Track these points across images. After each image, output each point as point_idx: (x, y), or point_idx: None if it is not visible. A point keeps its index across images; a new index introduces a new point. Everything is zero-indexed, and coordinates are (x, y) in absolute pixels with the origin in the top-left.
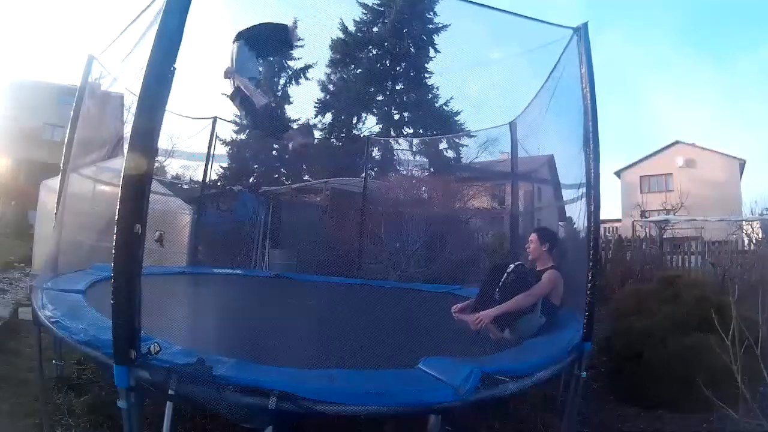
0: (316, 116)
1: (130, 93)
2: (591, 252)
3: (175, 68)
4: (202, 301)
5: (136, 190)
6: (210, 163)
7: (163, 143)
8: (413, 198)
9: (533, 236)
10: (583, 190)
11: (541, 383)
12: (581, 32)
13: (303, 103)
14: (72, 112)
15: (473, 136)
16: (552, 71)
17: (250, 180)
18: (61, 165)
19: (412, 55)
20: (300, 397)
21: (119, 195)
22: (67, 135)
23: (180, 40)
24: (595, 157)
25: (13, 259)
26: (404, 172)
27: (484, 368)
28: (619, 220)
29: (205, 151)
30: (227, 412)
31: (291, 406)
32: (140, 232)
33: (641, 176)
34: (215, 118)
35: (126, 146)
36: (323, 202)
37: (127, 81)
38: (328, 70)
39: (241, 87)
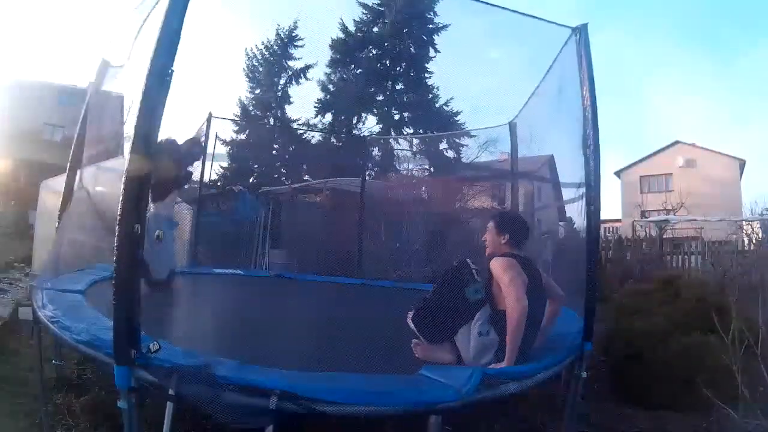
0: (316, 116)
1: (129, 94)
2: (590, 252)
3: (173, 70)
4: (201, 301)
5: (137, 190)
6: (211, 162)
7: None
8: (413, 198)
9: (490, 225)
10: (583, 190)
11: (542, 383)
12: (581, 33)
13: (303, 103)
14: (82, 113)
15: (473, 135)
16: (549, 69)
17: (250, 180)
18: (68, 165)
19: (412, 55)
20: (300, 396)
21: (120, 195)
22: (76, 136)
23: (178, 42)
24: (596, 159)
25: (13, 259)
26: (404, 172)
27: (484, 369)
28: (619, 220)
29: (208, 150)
30: (227, 413)
31: (291, 405)
32: (140, 232)
33: (641, 176)
34: (210, 115)
35: (126, 147)
36: (323, 202)
37: (127, 82)
38: (328, 70)
39: None
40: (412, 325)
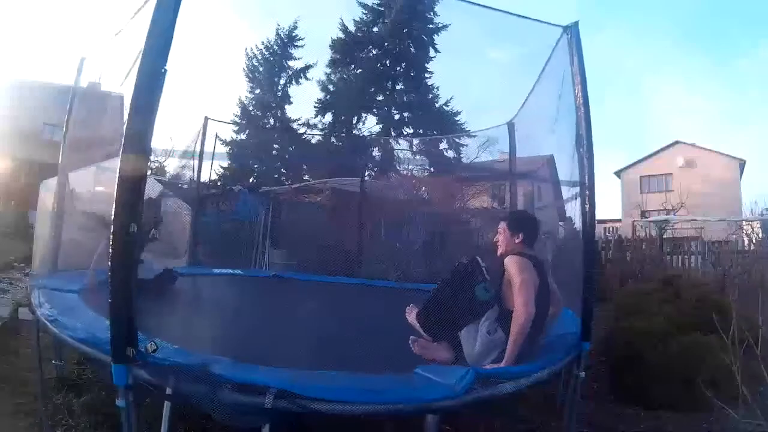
0: (316, 116)
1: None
2: (587, 252)
3: (166, 69)
4: (200, 302)
5: (132, 190)
6: (211, 162)
7: (163, 143)
8: (413, 198)
9: (502, 225)
10: (578, 189)
11: (539, 383)
12: (572, 31)
13: (303, 103)
14: (67, 114)
15: (473, 136)
16: (543, 70)
17: (250, 180)
18: (59, 165)
19: (412, 55)
20: (297, 395)
21: (115, 195)
22: (63, 136)
23: (171, 41)
24: (589, 157)
25: (13, 259)
26: (404, 172)
27: (477, 369)
28: (619, 220)
29: (208, 150)
30: (224, 412)
31: (288, 404)
32: (136, 231)
33: (641, 176)
34: (206, 119)
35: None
36: (323, 202)
37: (121, 82)
38: (328, 70)
39: None
40: (416, 324)
